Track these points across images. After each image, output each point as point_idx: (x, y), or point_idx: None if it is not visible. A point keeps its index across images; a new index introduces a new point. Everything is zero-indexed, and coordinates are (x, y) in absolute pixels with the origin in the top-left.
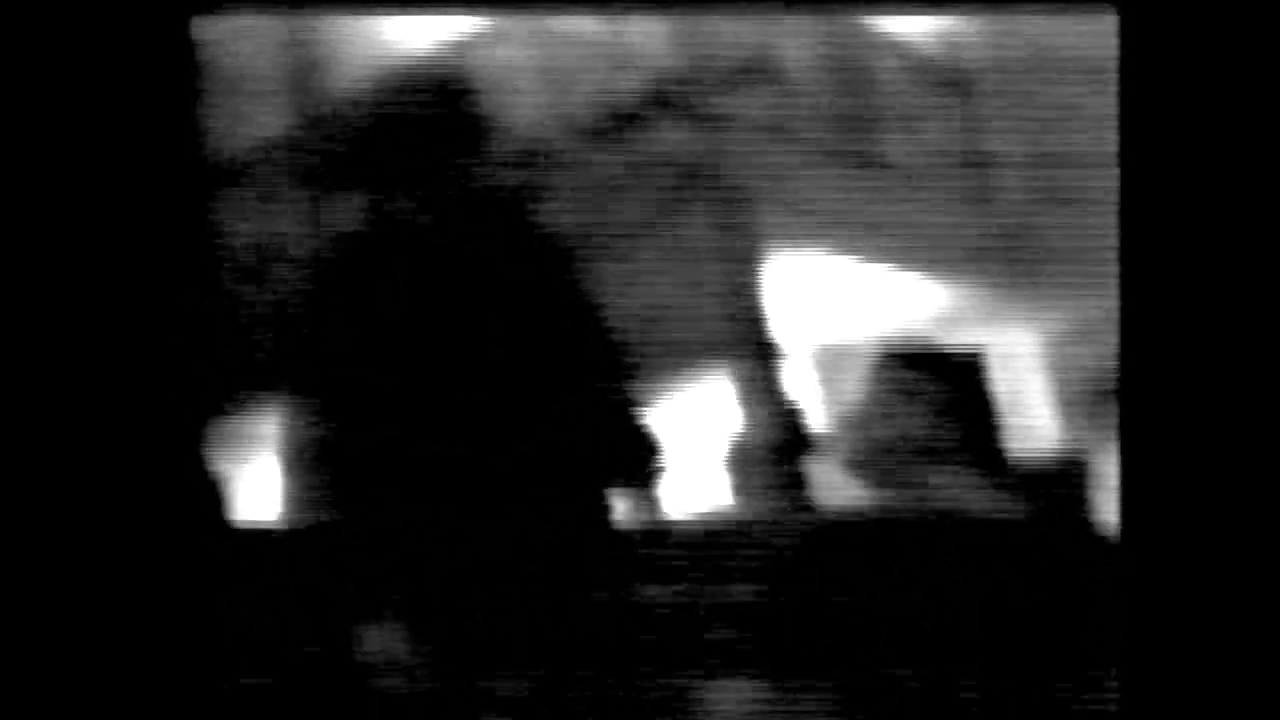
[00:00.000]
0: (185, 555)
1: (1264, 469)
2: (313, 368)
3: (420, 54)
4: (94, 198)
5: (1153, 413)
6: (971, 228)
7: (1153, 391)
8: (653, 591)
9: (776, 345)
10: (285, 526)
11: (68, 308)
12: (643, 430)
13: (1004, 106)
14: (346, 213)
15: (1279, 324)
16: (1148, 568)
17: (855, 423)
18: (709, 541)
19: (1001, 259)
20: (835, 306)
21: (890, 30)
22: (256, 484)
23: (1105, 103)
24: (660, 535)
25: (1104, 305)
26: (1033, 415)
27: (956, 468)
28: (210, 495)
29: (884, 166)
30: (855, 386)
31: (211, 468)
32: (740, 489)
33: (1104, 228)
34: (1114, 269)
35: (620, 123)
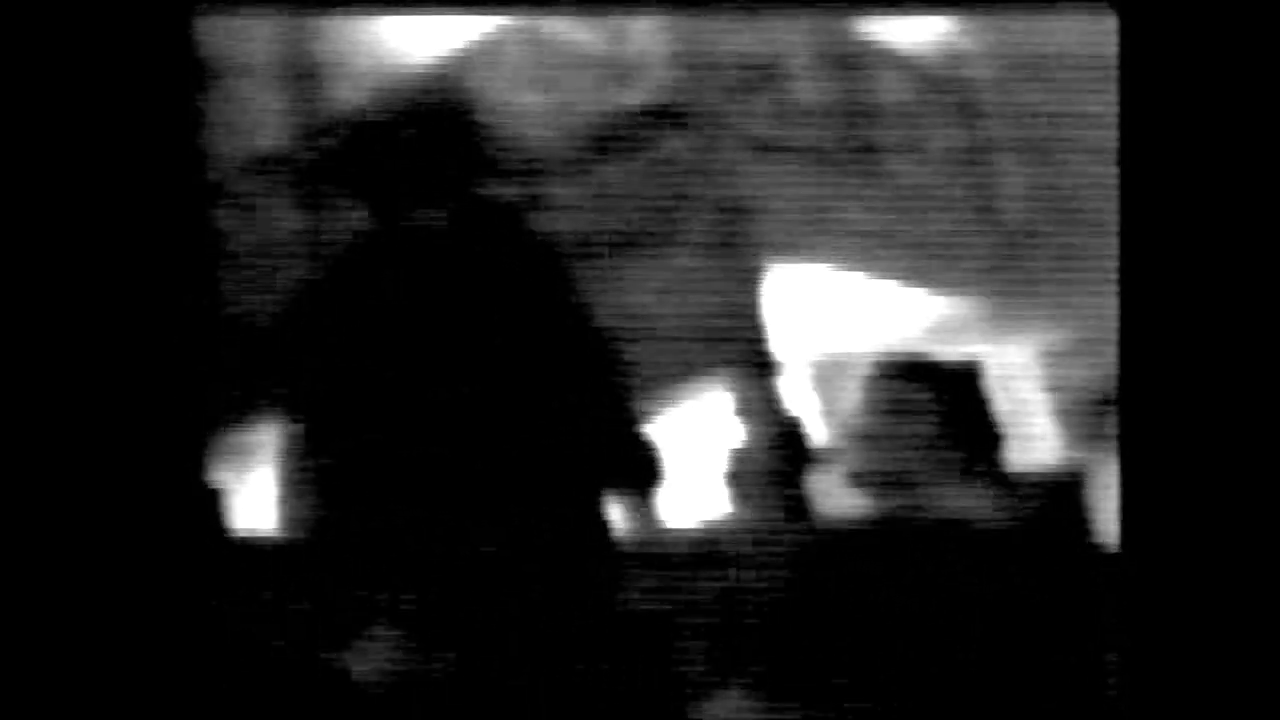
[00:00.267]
0: (183, 564)
1: (1264, 479)
2: (311, 377)
3: (418, 62)
4: (93, 200)
5: (1153, 424)
6: (971, 240)
7: (1152, 402)
8: (651, 602)
9: (775, 357)
10: (283, 537)
11: (65, 313)
12: (642, 442)
13: (1005, 118)
14: (345, 221)
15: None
16: (1148, 578)
17: (854, 435)
18: (708, 553)
19: (1001, 272)
20: (834, 319)
21: (890, 41)
22: (255, 494)
23: (1107, 115)
24: (660, 546)
25: (1103, 319)
26: (1030, 427)
27: (954, 480)
28: (209, 505)
29: (884, 178)
30: (854, 399)
31: (210, 478)
32: (740, 501)
33: (1103, 241)
34: (1113, 282)
35: (619, 133)
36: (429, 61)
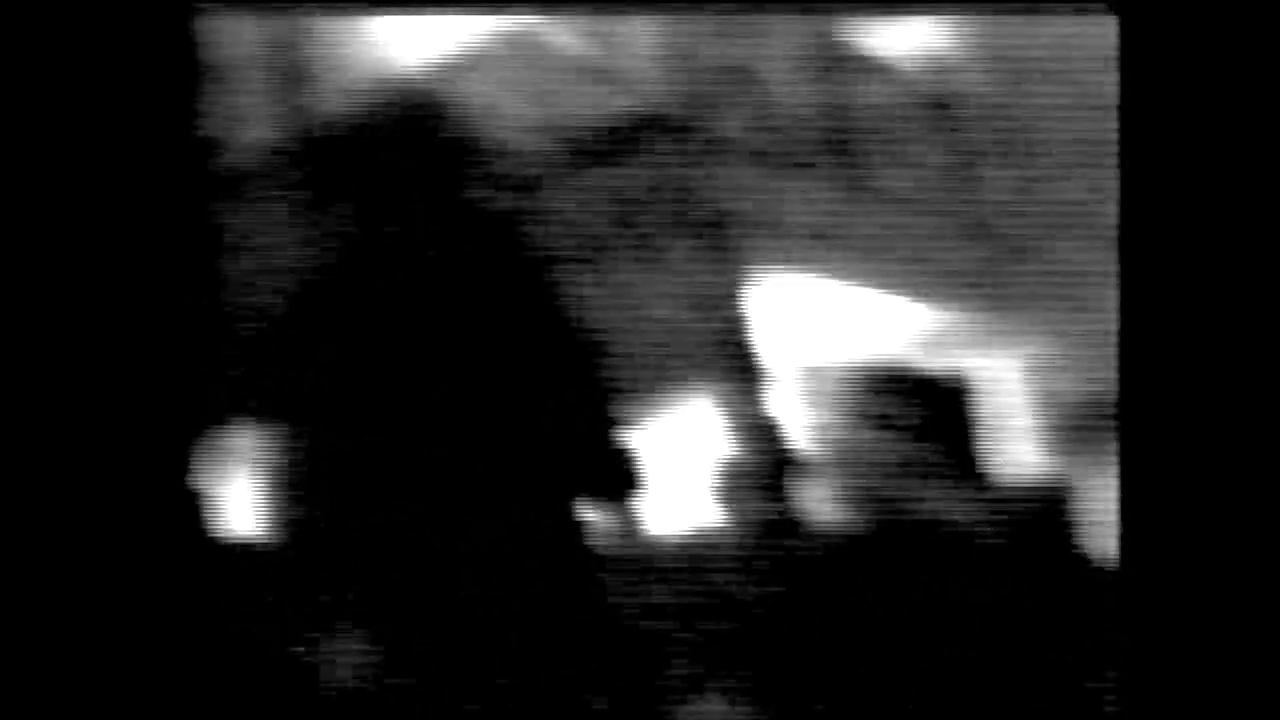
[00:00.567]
0: (167, 567)
1: (1263, 490)
2: (295, 382)
3: (408, 68)
4: (88, 203)
5: (1152, 435)
6: (960, 251)
7: (1152, 414)
8: (634, 609)
9: (762, 367)
10: (266, 540)
11: (54, 315)
12: (621, 450)
13: (994, 127)
14: (335, 228)
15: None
16: (1147, 590)
17: (840, 445)
18: (691, 561)
19: (989, 283)
20: (822, 329)
21: (880, 50)
22: (238, 498)
23: (1099, 124)
24: (642, 554)
25: (1093, 331)
26: (1017, 440)
27: (941, 491)
28: (193, 508)
29: (873, 188)
30: (840, 409)
31: (196, 483)
32: (724, 510)
33: (1093, 253)
34: (1103, 294)
35: (607, 143)
36: (418, 67)
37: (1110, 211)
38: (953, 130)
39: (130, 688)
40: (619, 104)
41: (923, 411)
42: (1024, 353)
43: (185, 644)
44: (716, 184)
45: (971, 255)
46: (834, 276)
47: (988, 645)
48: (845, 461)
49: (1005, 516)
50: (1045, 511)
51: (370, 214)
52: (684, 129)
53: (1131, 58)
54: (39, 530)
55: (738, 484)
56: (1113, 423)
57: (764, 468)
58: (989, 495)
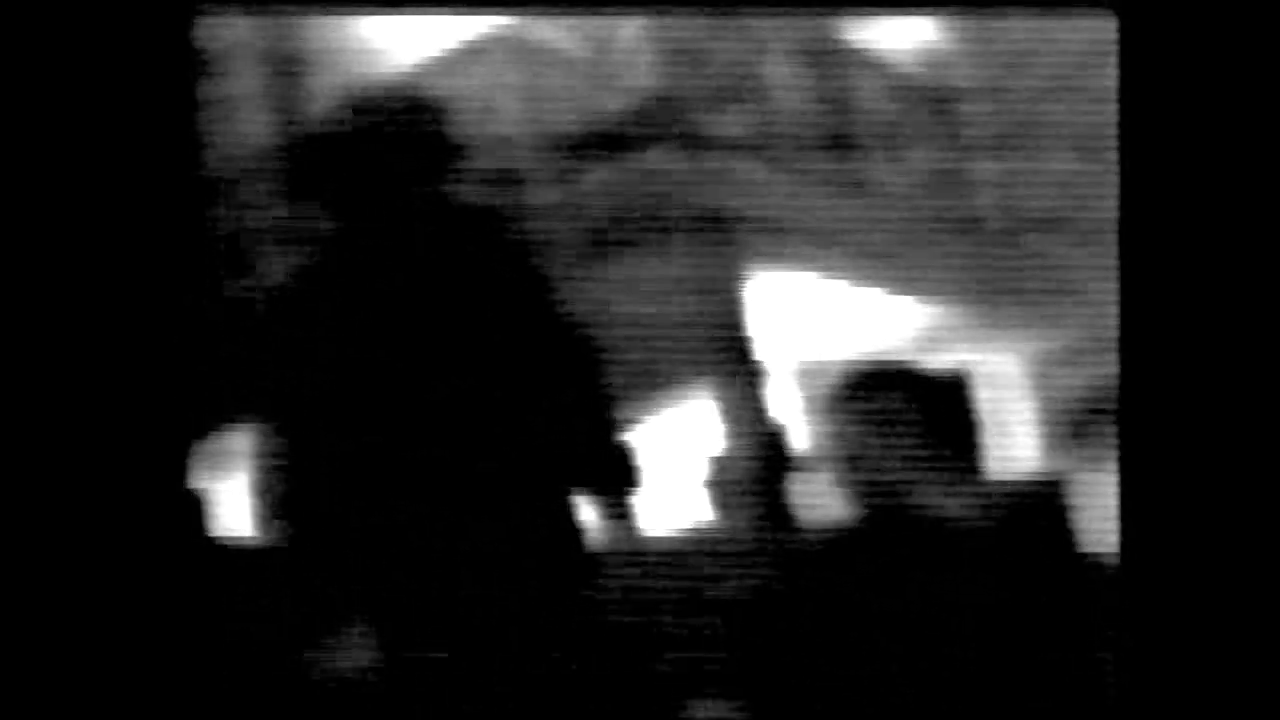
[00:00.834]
0: (165, 568)
1: (1263, 485)
2: (289, 381)
3: (401, 67)
4: (85, 203)
5: (1152, 431)
6: (957, 247)
7: (1152, 409)
8: (630, 609)
9: (759, 364)
10: (262, 540)
11: (50, 315)
12: (619, 447)
13: (993, 124)
14: (330, 227)
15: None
16: (1146, 585)
17: (838, 442)
18: (688, 558)
19: (988, 279)
20: (819, 325)
21: (877, 48)
22: (237, 499)
23: (1095, 120)
24: (639, 551)
25: (1091, 326)
26: (1017, 435)
27: (938, 487)
28: (191, 509)
29: (870, 184)
30: (838, 406)
31: (194, 483)
32: (722, 507)
33: (1091, 249)
34: (1102, 289)
35: (603, 141)
36: (412, 66)
37: (1110, 207)
38: (951, 126)
39: (130, 689)
40: (614, 102)
41: (921, 408)
42: (1023, 348)
43: (184, 645)
44: (713, 181)
45: (970, 251)
46: (831, 273)
47: (986, 642)
48: (843, 458)
49: (1004, 513)
50: (1044, 507)
51: (366, 213)
52: (679, 126)
53: (1131, 55)
54: (38, 533)
55: (735, 481)
56: (1112, 418)
57: (761, 465)
58: (988, 491)
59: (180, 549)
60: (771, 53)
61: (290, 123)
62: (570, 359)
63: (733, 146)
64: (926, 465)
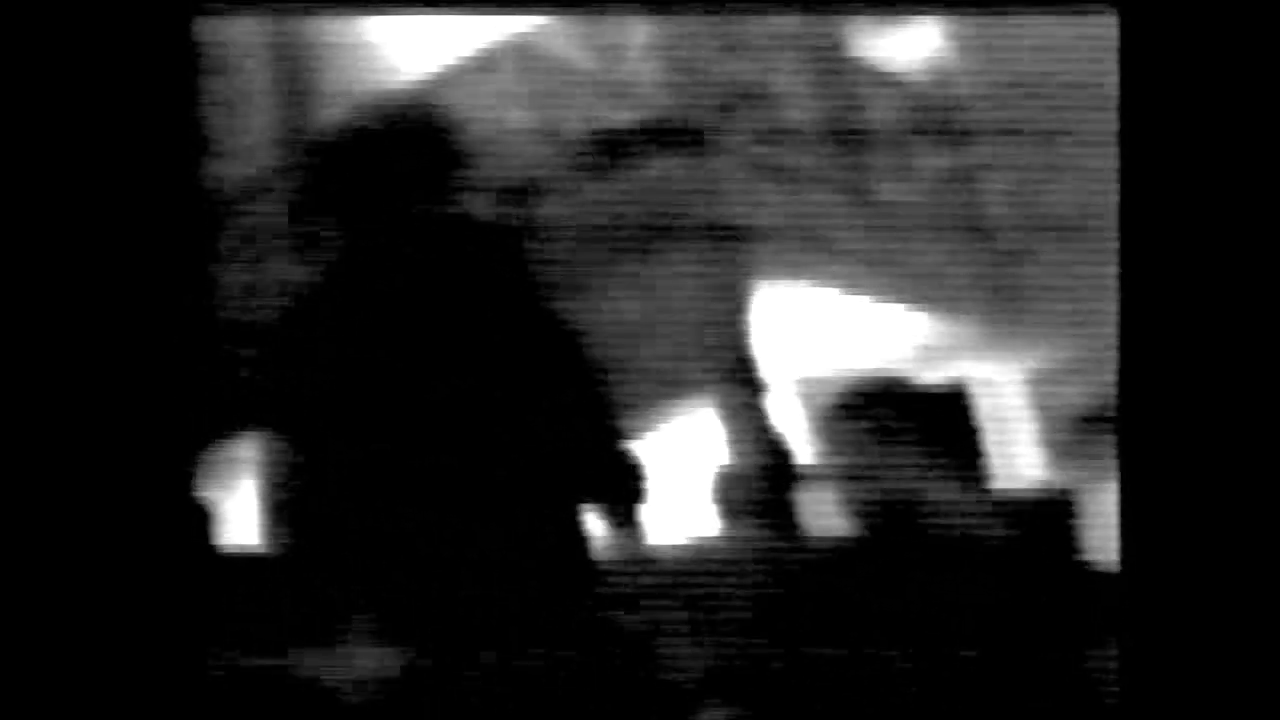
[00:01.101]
0: (171, 578)
1: (1263, 495)
2: (296, 391)
3: (410, 77)
4: (87, 208)
5: (1152, 442)
6: (962, 261)
7: (1152, 420)
8: (635, 620)
9: (764, 377)
10: (271, 551)
11: (55, 324)
12: (625, 459)
13: (996, 138)
14: (337, 236)
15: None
16: (1148, 596)
17: (841, 454)
18: (693, 570)
19: (991, 292)
20: (823, 339)
21: (882, 61)
22: (244, 509)
23: (1102, 133)
24: (644, 564)
25: (1094, 339)
26: (1020, 448)
27: (941, 499)
28: (197, 519)
29: (875, 198)
30: (841, 418)
31: (200, 493)
32: (726, 519)
33: (1095, 261)
34: (1105, 303)
35: (610, 153)
36: (420, 75)
37: (1113, 218)
38: (957, 136)
39: (137, 697)
40: (621, 114)
41: (923, 420)
42: (1026, 361)
43: (191, 654)
44: (719, 192)
45: (973, 263)
46: (837, 284)
47: (990, 654)
48: (846, 471)
49: (1007, 525)
50: (1048, 520)
51: (374, 222)
52: (687, 140)
53: (1131, 54)
54: (47, 543)
55: (739, 492)
56: (1112, 429)
57: (766, 476)
58: (990, 503)
59: (187, 558)
60: (778, 63)
61: (299, 131)
62: (576, 369)
63: (739, 157)
64: (929, 477)
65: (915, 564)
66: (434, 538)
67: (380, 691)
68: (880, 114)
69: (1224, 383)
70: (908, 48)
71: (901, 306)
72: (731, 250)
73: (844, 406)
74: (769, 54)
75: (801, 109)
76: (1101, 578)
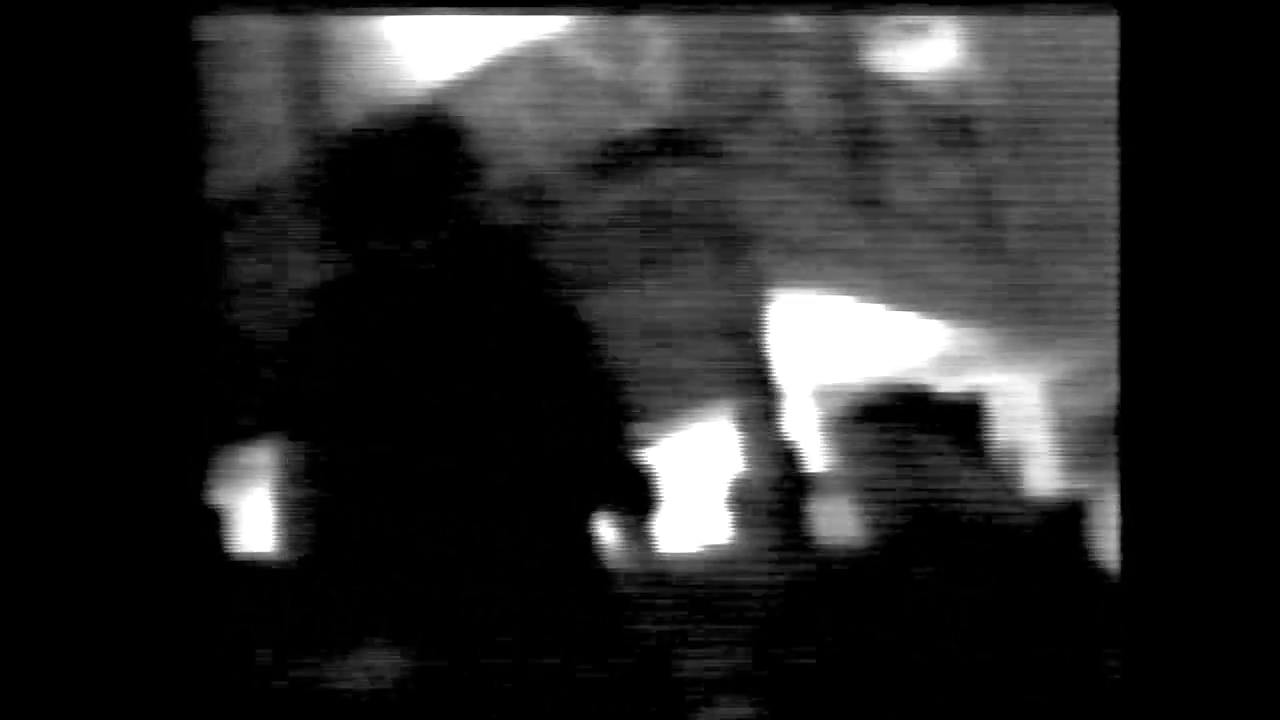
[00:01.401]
0: (183, 585)
1: (1265, 503)
2: (309, 398)
3: (425, 87)
4: (92, 211)
5: (1154, 449)
6: (975, 271)
7: (1153, 428)
8: (648, 628)
9: (777, 385)
10: (284, 557)
11: (64, 328)
12: (639, 468)
13: (1009, 149)
14: (349, 241)
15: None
16: (1149, 604)
17: (856, 464)
18: (707, 580)
19: (1006, 302)
20: (837, 348)
21: (895, 68)
22: (254, 515)
23: (1109, 139)
24: (658, 572)
25: (1109, 348)
26: (1033, 458)
27: (955, 508)
28: (209, 526)
29: (888, 206)
30: (856, 428)
31: (213, 499)
32: (740, 528)
33: (1107, 269)
34: (1115, 311)
35: (624, 161)
36: (437, 82)
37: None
38: (971, 147)
39: (148, 704)
40: (636, 121)
41: (940, 430)
42: (1043, 369)
43: (203, 660)
44: (734, 202)
45: (989, 273)
46: (851, 295)
47: (1004, 661)
48: (861, 480)
49: (1022, 533)
50: (1062, 529)
51: (388, 229)
52: (701, 147)
53: (1132, 53)
54: (58, 550)
55: (754, 503)
56: (1115, 436)
57: (780, 487)
58: (1008, 512)
59: (199, 564)
60: (793, 72)
61: (315, 133)
62: (591, 376)
63: (755, 165)
64: (945, 486)
65: (929, 572)
66: (448, 543)
67: (394, 698)
68: (895, 120)
69: (1225, 386)
70: (926, 54)
71: (917, 315)
72: (747, 257)
73: (859, 415)
74: (784, 61)
75: (815, 115)
76: (1116, 585)
